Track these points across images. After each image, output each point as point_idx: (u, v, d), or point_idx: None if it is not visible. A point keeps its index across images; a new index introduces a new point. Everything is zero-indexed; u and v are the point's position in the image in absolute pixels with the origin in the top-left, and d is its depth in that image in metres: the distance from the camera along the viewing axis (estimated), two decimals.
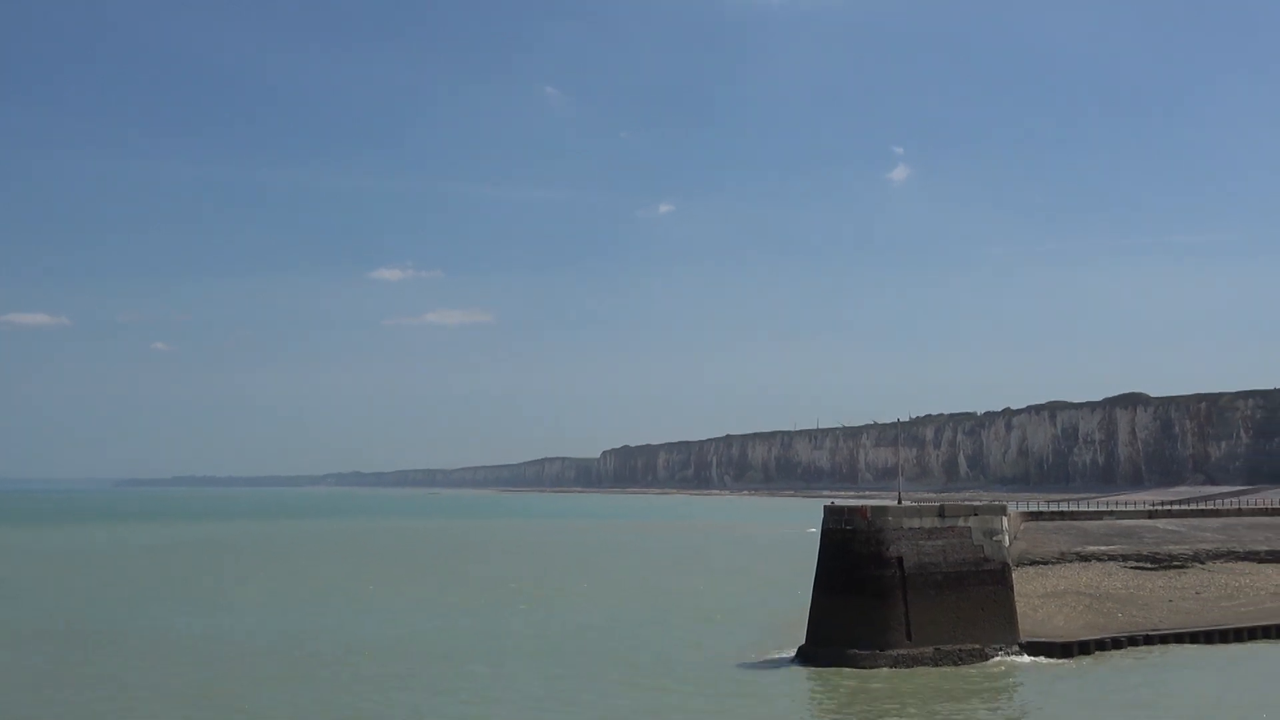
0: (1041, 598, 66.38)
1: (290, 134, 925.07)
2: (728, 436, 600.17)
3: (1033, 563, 73.30)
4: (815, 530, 59.25)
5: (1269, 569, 77.26)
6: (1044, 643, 57.30)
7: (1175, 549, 79.19)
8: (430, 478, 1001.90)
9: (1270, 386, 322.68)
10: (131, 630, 70.11)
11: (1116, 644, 58.56)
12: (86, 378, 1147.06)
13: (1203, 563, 77.13)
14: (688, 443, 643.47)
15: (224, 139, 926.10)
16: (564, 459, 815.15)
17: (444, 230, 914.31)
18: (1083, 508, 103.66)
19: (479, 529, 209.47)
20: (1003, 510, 61.23)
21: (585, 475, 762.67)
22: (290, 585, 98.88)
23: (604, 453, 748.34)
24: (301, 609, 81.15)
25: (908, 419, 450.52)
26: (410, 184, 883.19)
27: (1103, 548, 78.15)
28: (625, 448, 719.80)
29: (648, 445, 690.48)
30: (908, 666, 53.48)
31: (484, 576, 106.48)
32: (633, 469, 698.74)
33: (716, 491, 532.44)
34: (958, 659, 54.81)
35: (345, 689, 51.83)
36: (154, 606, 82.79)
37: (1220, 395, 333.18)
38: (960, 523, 57.91)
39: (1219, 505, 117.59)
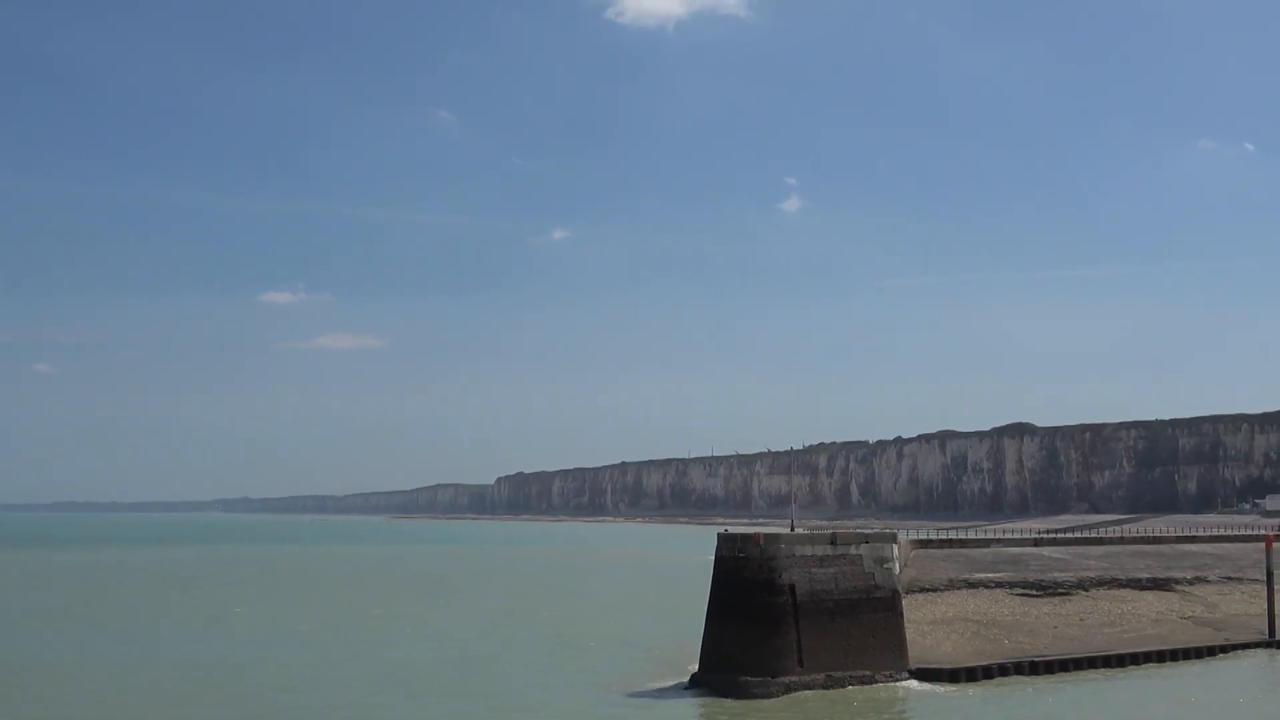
0: (931, 624, 67.17)
1: (178, 153, 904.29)
2: (623, 464, 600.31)
3: (922, 590, 74.06)
4: (709, 557, 59.45)
5: (1150, 596, 78.99)
6: (933, 669, 58.04)
7: (1060, 576, 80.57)
8: (321, 504, 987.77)
9: (1152, 418, 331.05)
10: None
11: (1003, 670, 59.53)
12: None
13: (1086, 590, 78.57)
14: (582, 470, 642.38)
15: (110, 157, 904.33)
16: (457, 486, 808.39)
17: (335, 253, 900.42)
18: (971, 535, 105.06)
19: (374, 556, 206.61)
20: (893, 538, 61.98)
21: (479, 502, 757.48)
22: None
23: (498, 479, 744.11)
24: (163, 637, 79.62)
25: (801, 447, 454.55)
26: (301, 206, 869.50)
27: (990, 575, 79.25)
28: (519, 475, 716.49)
29: (542, 472, 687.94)
30: (799, 693, 53.78)
31: (375, 605, 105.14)
32: (527, 496, 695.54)
33: (611, 519, 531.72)
34: (848, 685, 55.29)
35: None
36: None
37: (1104, 426, 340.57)
38: (852, 550, 58.51)
39: (1102, 533, 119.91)
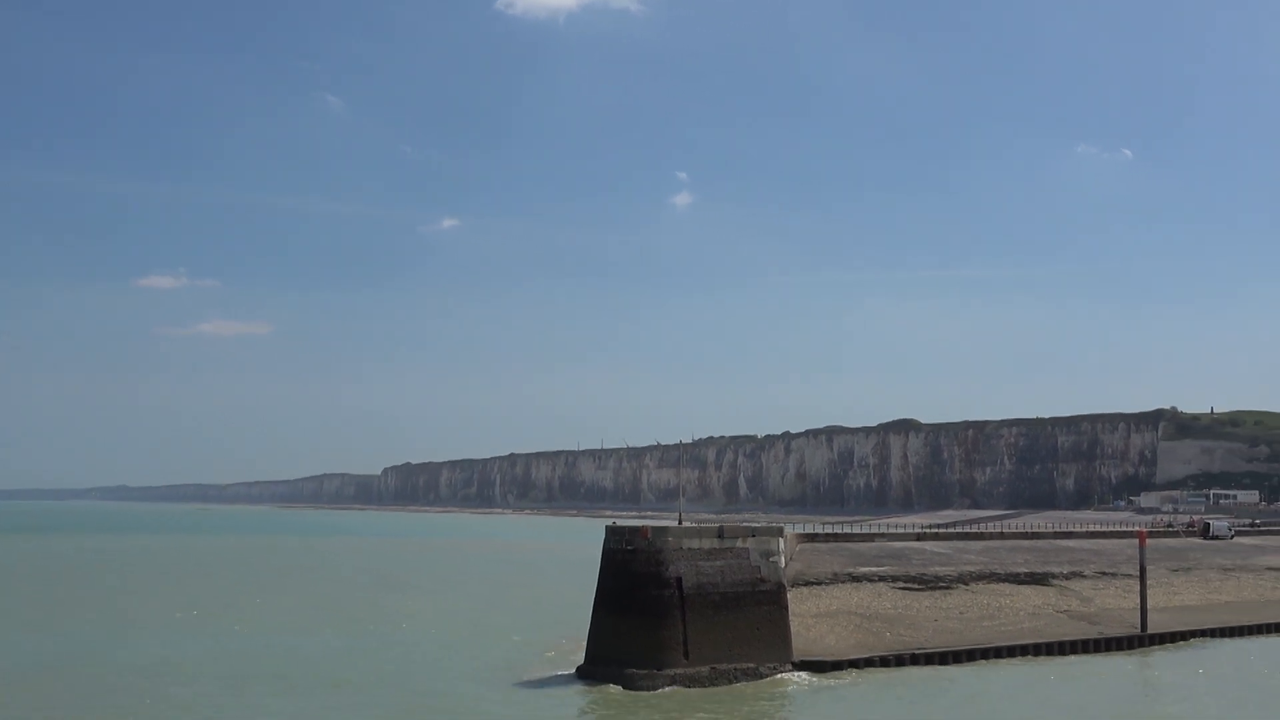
0: (815, 617, 67.94)
1: (56, 134, 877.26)
2: (511, 455, 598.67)
3: (807, 583, 74.85)
4: (597, 549, 59.55)
5: (1028, 590, 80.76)
6: (816, 661, 58.78)
7: (941, 570, 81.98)
8: (203, 493, 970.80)
9: (1032, 416, 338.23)
10: None
11: (884, 662, 60.50)
12: None
13: (967, 584, 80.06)
14: (471, 461, 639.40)
15: None
16: (344, 475, 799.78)
17: (220, 238, 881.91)
18: (856, 530, 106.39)
19: (261, 548, 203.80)
20: (779, 532, 62.64)
21: (365, 492, 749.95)
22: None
23: (385, 470, 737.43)
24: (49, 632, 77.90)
25: (690, 440, 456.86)
26: (185, 189, 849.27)
27: (873, 569, 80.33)
28: (407, 465, 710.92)
29: (430, 463, 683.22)
30: (685, 686, 54.10)
31: (264, 598, 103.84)
32: (414, 487, 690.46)
33: (499, 510, 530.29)
34: (733, 678, 55.74)
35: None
36: None
37: (986, 423, 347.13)
38: (739, 544, 59.01)
39: (983, 529, 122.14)
